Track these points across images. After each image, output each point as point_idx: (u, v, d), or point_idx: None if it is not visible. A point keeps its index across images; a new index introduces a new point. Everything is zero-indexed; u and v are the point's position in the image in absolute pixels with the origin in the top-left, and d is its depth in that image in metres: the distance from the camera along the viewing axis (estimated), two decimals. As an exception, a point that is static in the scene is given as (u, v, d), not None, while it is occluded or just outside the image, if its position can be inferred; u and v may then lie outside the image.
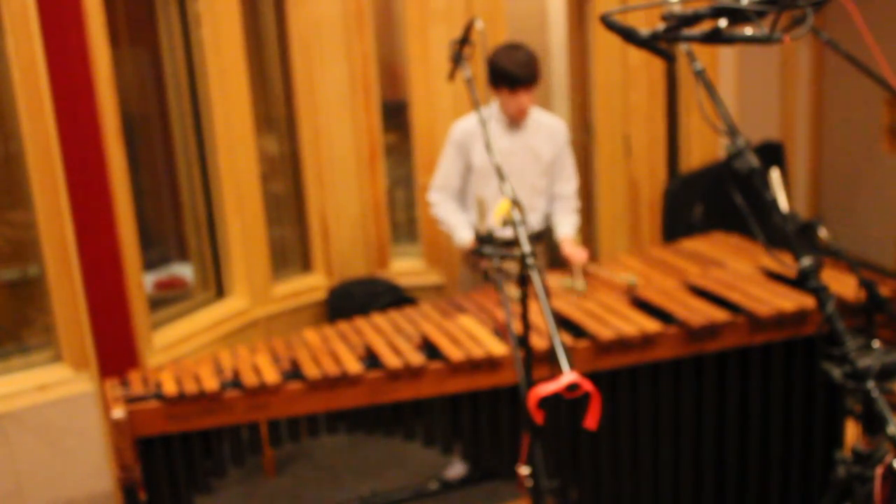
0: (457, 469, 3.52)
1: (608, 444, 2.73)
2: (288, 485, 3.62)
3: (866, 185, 4.98)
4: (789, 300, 2.75)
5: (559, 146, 3.40)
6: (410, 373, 2.50)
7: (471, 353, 2.53)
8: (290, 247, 4.38)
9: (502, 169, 2.18)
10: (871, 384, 1.54)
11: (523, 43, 3.25)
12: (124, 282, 3.27)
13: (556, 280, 3.09)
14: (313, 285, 4.26)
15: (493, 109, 3.32)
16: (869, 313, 1.98)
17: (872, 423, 1.63)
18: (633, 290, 2.94)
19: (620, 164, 4.50)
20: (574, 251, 3.20)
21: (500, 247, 2.22)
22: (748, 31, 1.52)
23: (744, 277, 2.98)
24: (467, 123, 3.35)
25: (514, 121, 3.30)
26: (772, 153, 4.80)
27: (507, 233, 2.24)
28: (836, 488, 1.73)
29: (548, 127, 3.37)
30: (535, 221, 3.41)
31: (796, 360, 2.78)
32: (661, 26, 1.66)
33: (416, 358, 2.52)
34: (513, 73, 3.14)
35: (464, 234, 3.29)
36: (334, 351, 2.61)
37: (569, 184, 3.45)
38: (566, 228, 3.37)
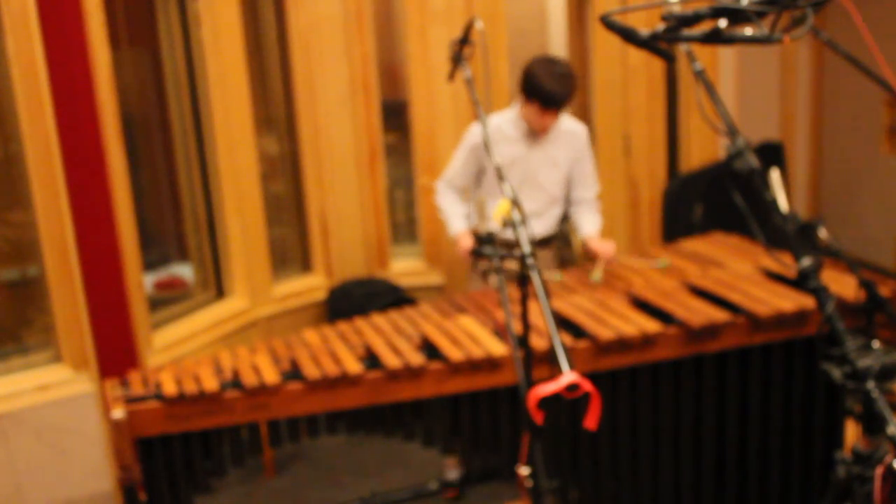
0: (452, 475, 3.49)
1: (608, 444, 2.72)
2: (288, 485, 3.62)
3: (866, 185, 4.98)
4: (789, 300, 2.75)
5: (578, 152, 3.34)
6: (410, 373, 2.50)
7: (471, 354, 2.53)
8: (290, 247, 4.38)
9: (502, 170, 2.19)
10: (871, 384, 1.54)
11: (563, 60, 3.15)
12: (124, 282, 3.27)
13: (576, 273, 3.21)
14: (313, 285, 4.26)
15: (512, 114, 3.26)
16: (869, 313, 1.98)
17: (872, 423, 1.63)
18: (666, 271, 3.08)
19: (620, 164, 4.50)
20: (601, 245, 3.24)
21: (502, 248, 2.23)
22: (748, 31, 1.52)
23: (744, 277, 2.98)
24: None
25: (536, 132, 3.25)
26: (772, 153, 4.80)
27: (507, 234, 2.24)
28: (836, 488, 1.73)
29: (568, 133, 3.31)
30: (546, 227, 3.39)
31: (796, 360, 2.78)
32: (661, 26, 1.66)
33: (416, 358, 2.52)
34: (548, 94, 3.04)
35: (457, 224, 3.29)
36: (334, 351, 2.61)
37: (590, 189, 3.42)
38: (589, 227, 3.37)
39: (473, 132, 3.29)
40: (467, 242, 3.23)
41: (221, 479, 2.56)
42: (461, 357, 2.51)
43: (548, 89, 3.04)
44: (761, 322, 2.70)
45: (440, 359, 2.53)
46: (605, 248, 3.22)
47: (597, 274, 3.09)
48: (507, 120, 3.26)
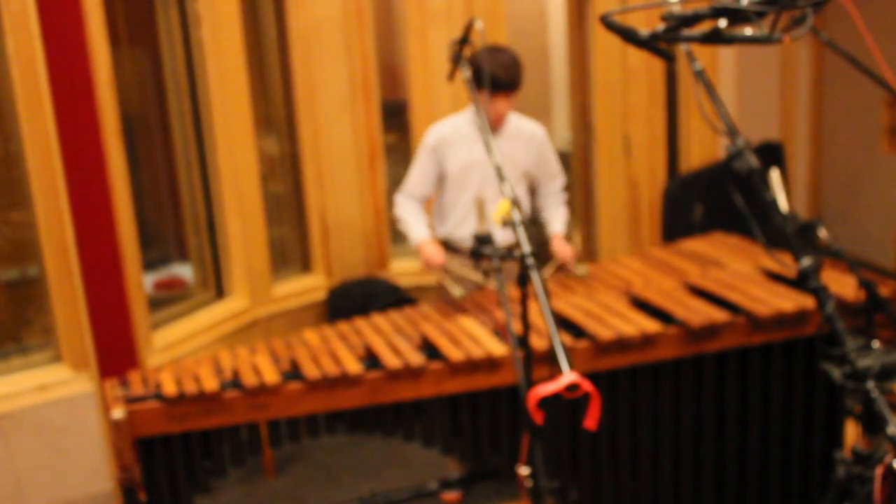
0: (454, 477, 3.46)
1: (608, 444, 2.72)
2: (288, 485, 3.62)
3: (866, 185, 4.98)
4: (789, 300, 2.75)
5: (540, 152, 3.30)
6: (410, 373, 2.50)
7: (471, 354, 2.53)
8: (290, 247, 4.38)
9: (502, 169, 2.19)
10: (871, 384, 1.54)
11: (508, 46, 3.15)
12: (124, 282, 3.27)
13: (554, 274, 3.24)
14: (313, 285, 4.26)
15: (469, 113, 3.21)
16: (869, 313, 1.98)
17: (872, 423, 1.63)
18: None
19: (620, 164, 4.50)
20: (561, 247, 3.26)
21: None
22: (748, 31, 1.53)
23: (744, 277, 2.98)
24: (443, 128, 3.23)
25: (491, 126, 3.17)
26: (772, 153, 4.80)
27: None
28: (836, 488, 1.73)
29: (527, 133, 3.26)
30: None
31: (796, 360, 2.78)
32: (660, 26, 1.66)
33: (416, 358, 2.52)
34: (494, 77, 2.98)
35: (418, 231, 3.21)
36: (334, 351, 2.61)
37: (555, 181, 3.40)
38: (557, 225, 3.38)
39: (430, 135, 3.24)
40: (437, 256, 3.14)
41: (221, 479, 2.56)
42: (461, 357, 2.52)
43: (492, 73, 2.96)
44: (761, 322, 2.70)
45: (440, 359, 2.53)
46: (564, 251, 3.25)
47: (582, 269, 3.18)
48: (464, 119, 3.22)
